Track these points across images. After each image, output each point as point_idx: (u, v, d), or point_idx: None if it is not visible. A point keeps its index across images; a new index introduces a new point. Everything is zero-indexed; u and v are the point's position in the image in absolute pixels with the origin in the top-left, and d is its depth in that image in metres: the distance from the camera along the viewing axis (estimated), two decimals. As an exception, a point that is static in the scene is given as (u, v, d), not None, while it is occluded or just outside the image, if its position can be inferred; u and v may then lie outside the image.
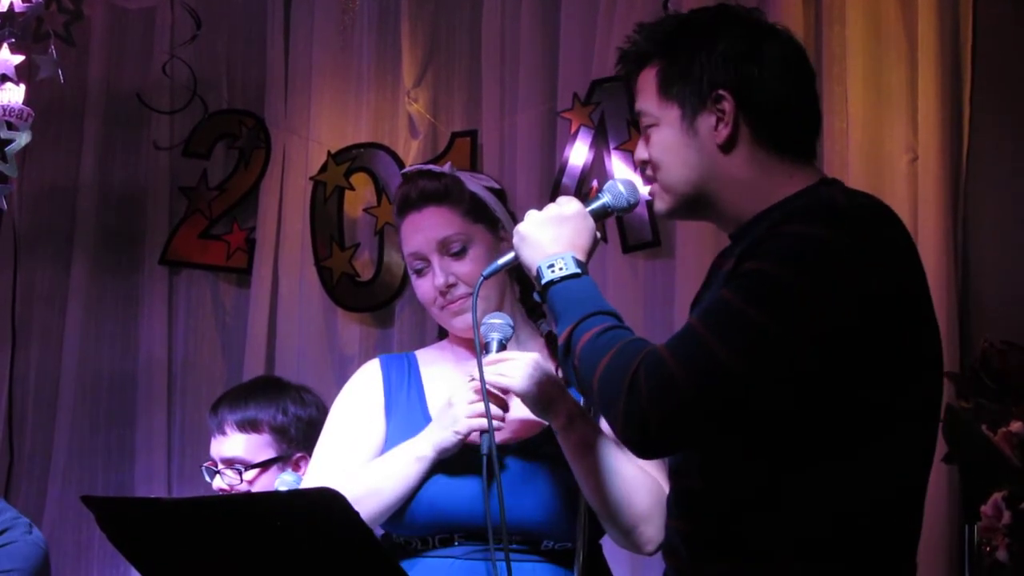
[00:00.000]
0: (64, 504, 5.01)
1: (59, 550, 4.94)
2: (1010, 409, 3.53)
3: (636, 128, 4.42)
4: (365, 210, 4.90)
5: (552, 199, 4.52)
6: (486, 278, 2.59)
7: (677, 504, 2.36)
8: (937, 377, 2.31)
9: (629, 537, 2.68)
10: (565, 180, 4.49)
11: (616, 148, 4.47)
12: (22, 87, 4.19)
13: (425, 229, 2.86)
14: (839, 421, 2.18)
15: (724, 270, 2.27)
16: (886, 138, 4.05)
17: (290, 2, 5.08)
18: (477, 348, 2.63)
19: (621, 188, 2.55)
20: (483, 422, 2.65)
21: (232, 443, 3.53)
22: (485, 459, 2.64)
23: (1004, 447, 3.47)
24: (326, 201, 4.92)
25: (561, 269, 2.36)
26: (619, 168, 4.42)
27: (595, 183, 4.47)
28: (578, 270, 2.36)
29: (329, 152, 4.92)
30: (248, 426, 3.53)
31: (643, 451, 2.25)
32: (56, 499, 5.04)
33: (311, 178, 4.94)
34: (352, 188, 4.91)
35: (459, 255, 2.84)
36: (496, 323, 2.76)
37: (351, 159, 4.91)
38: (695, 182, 2.35)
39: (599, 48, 4.52)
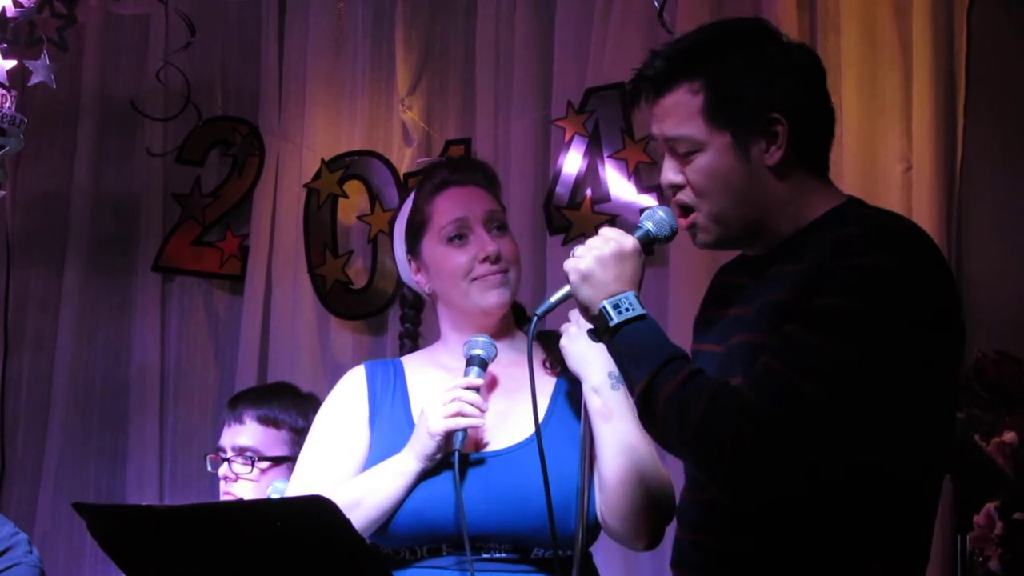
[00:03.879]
0: (56, 510, 5.00)
1: (51, 556, 4.92)
2: (1003, 419, 3.53)
3: (630, 136, 4.43)
4: (359, 218, 4.89)
5: (545, 207, 4.57)
6: (540, 317, 2.54)
7: (696, 516, 2.34)
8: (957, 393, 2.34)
9: (635, 522, 2.67)
10: (559, 188, 4.49)
11: (610, 156, 4.46)
12: (13, 93, 4.18)
13: (472, 200, 2.87)
14: (883, 440, 2.18)
15: (771, 298, 2.24)
16: (880, 147, 4.05)
17: (284, 9, 5.08)
18: (531, 382, 2.58)
19: (662, 215, 2.47)
20: (459, 421, 2.67)
21: (249, 432, 3.57)
22: (457, 454, 2.67)
23: (997, 457, 3.46)
24: (320, 208, 4.92)
25: (628, 310, 2.30)
26: (612, 176, 4.42)
27: (588, 192, 4.47)
28: (644, 311, 2.31)
29: (323, 159, 4.92)
30: (269, 421, 3.57)
31: (751, 498, 2.21)
32: (48, 505, 5.03)
33: (305, 185, 4.94)
34: (346, 196, 4.91)
35: (501, 231, 2.85)
36: (480, 341, 2.78)
37: (345, 166, 4.91)
38: (743, 208, 2.31)
39: (594, 56, 4.52)
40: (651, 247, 2.48)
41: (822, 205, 2.31)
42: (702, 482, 2.33)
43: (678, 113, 2.33)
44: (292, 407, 3.60)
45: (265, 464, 3.53)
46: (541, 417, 2.77)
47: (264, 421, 3.57)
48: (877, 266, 2.15)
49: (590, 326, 2.40)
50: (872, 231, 2.22)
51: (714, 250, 2.43)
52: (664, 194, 2.48)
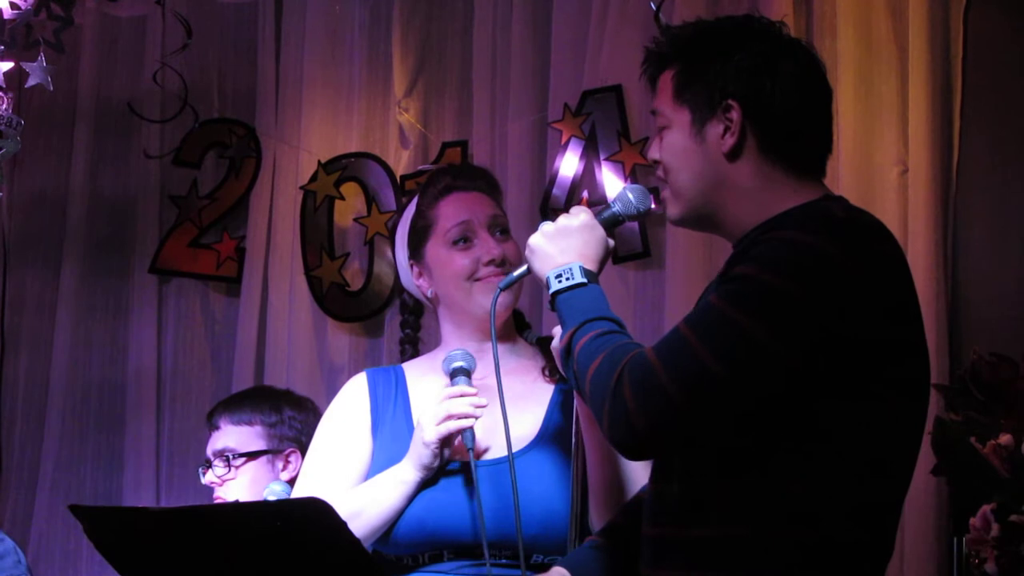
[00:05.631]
0: (52, 512, 5.00)
1: (47, 559, 4.93)
2: (999, 421, 3.53)
3: (627, 139, 4.44)
4: (355, 220, 4.90)
5: (542, 209, 4.59)
6: (502, 290, 2.64)
7: (652, 508, 2.36)
8: (924, 394, 2.31)
9: None
10: (555, 191, 4.49)
11: (606, 159, 4.47)
12: (11, 95, 4.18)
13: (475, 204, 2.91)
14: (819, 431, 2.18)
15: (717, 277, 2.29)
16: (876, 150, 4.06)
17: (281, 11, 5.08)
18: (494, 349, 2.62)
19: (630, 196, 2.57)
20: (450, 425, 2.68)
21: (224, 435, 3.63)
22: (471, 453, 2.68)
23: (993, 459, 3.47)
24: (316, 210, 4.92)
25: (568, 279, 2.40)
26: (609, 179, 4.42)
27: (585, 194, 4.47)
28: (584, 280, 2.40)
29: (319, 162, 4.92)
30: (242, 421, 3.64)
31: (629, 452, 2.27)
32: (44, 507, 5.03)
33: (301, 187, 4.94)
34: (342, 198, 4.91)
35: (504, 235, 2.89)
36: (457, 354, 2.79)
37: (341, 169, 4.91)
38: (701, 187, 2.37)
39: (590, 59, 4.52)
40: (620, 224, 2.60)
41: (792, 200, 2.33)
42: (658, 475, 2.35)
43: (661, 89, 2.42)
44: (264, 403, 3.66)
45: (240, 460, 3.59)
46: (538, 425, 2.79)
47: (238, 422, 3.64)
48: (791, 240, 2.18)
49: None
50: (812, 214, 2.25)
51: (684, 227, 2.51)
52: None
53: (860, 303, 2.16)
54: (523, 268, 2.57)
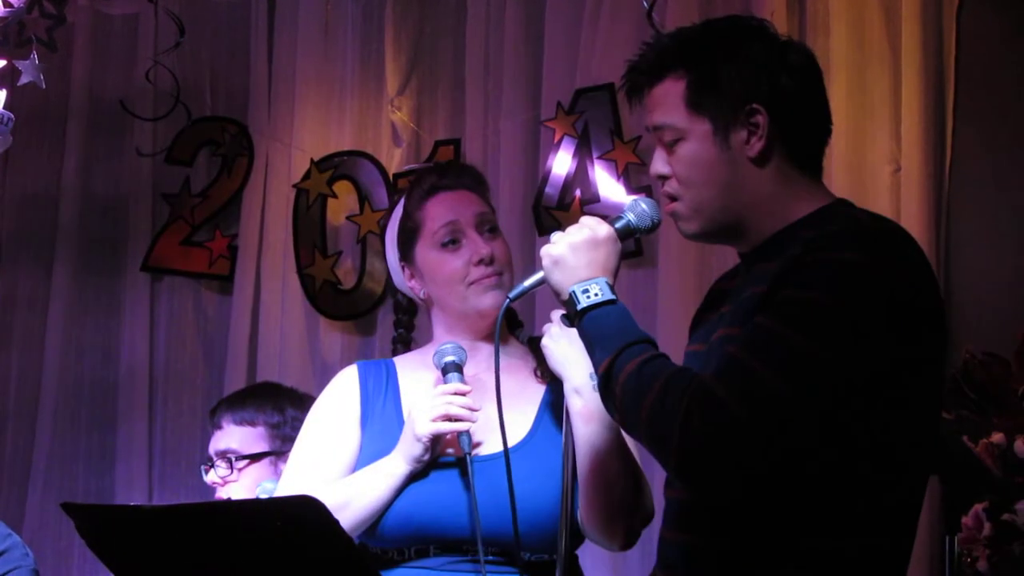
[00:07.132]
0: (44, 510, 5.00)
1: (39, 557, 4.89)
2: (991, 420, 3.54)
3: (620, 137, 4.44)
4: (348, 218, 4.90)
5: (535, 208, 4.59)
6: (512, 300, 2.56)
7: (673, 513, 2.35)
8: (941, 398, 2.33)
9: (613, 523, 2.68)
10: (548, 189, 4.50)
11: (599, 158, 4.47)
12: (3, 92, 4.17)
13: (462, 203, 2.87)
14: (848, 439, 2.17)
15: (749, 292, 2.25)
16: (869, 149, 4.06)
17: (274, 9, 5.08)
18: (496, 360, 2.59)
19: (644, 207, 2.50)
20: (444, 426, 2.67)
21: (227, 435, 3.59)
22: (468, 458, 2.67)
23: (985, 458, 3.47)
24: (309, 209, 4.92)
25: (596, 295, 2.33)
26: (602, 177, 4.43)
27: (578, 193, 4.47)
28: (613, 296, 2.33)
29: (312, 160, 4.92)
30: (245, 421, 3.60)
31: (701, 483, 2.20)
32: (36, 505, 5.03)
33: (294, 185, 4.94)
34: (335, 196, 4.91)
35: (493, 233, 2.86)
36: (448, 348, 2.78)
37: (334, 167, 4.91)
38: (725, 199, 2.32)
39: (583, 57, 4.53)
40: (631, 237, 2.52)
41: (809, 204, 2.31)
42: (670, 481, 2.34)
43: (664, 102, 2.35)
44: (267, 403, 3.63)
45: (243, 463, 3.56)
46: (529, 424, 2.78)
47: (240, 422, 3.60)
48: (844, 261, 2.15)
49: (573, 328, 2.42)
50: (847, 228, 2.23)
51: (700, 241, 2.44)
52: (653, 188, 2.49)
53: (909, 315, 2.16)
54: (538, 276, 2.47)
